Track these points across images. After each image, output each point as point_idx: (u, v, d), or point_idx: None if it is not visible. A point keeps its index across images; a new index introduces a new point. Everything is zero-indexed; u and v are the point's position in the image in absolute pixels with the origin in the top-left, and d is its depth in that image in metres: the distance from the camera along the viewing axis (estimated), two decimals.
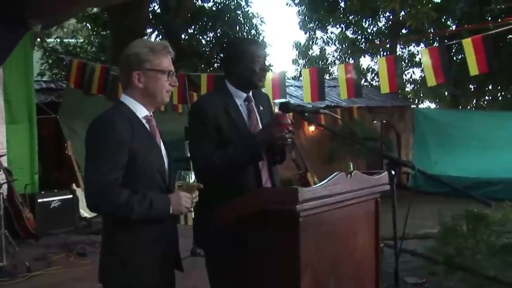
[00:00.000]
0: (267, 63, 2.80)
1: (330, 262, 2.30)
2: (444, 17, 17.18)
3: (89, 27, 15.64)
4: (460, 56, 14.84)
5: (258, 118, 2.70)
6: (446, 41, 13.06)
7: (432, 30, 16.68)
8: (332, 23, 21.42)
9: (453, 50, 15.41)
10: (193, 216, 6.09)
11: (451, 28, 16.89)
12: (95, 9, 13.77)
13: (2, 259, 5.06)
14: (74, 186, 7.69)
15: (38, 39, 9.16)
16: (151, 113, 2.29)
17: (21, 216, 6.25)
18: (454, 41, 8.51)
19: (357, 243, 2.53)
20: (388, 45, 19.72)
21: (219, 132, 2.55)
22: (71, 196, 7.32)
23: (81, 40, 16.24)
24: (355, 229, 2.52)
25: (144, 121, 2.25)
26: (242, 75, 2.64)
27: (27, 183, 6.95)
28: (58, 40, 15.56)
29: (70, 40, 16.26)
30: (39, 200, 6.89)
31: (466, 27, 13.26)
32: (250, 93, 2.71)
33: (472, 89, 19.63)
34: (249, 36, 14.61)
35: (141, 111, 2.25)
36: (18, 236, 6.05)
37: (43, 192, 7.21)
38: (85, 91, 8.26)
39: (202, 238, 2.72)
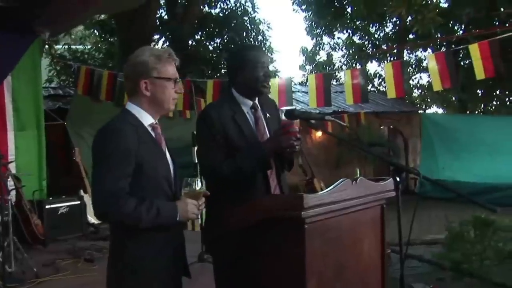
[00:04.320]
0: (273, 68, 2.82)
1: (336, 268, 2.30)
2: (451, 22, 17.14)
3: (97, 34, 15.76)
4: (467, 61, 14.78)
5: (265, 125, 2.71)
6: (453, 46, 13.04)
7: (439, 36, 16.65)
8: (339, 29, 21.42)
9: (461, 55, 15.37)
10: (199, 222, 6.09)
11: (458, 34, 16.84)
12: (102, 16, 13.86)
13: (10, 265, 5.09)
14: (81, 192, 7.73)
15: (46, 46, 9.20)
16: (156, 121, 2.31)
17: (29, 222, 6.29)
18: (461, 46, 8.50)
19: (363, 250, 2.53)
20: (395, 51, 19.69)
21: (227, 140, 2.55)
22: (78, 202, 7.35)
23: (89, 47, 16.37)
24: (361, 236, 2.52)
25: (149, 129, 2.26)
26: (245, 83, 2.64)
27: (35, 189, 7.01)
28: (66, 46, 15.69)
29: (78, 47, 16.39)
30: (47, 206, 6.92)
31: (473, 32, 13.23)
32: (256, 100, 2.71)
33: (480, 94, 19.54)
34: (256, 42, 14.64)
35: (147, 119, 2.26)
36: (26, 242, 6.10)
37: (51, 198, 7.24)
38: (93, 98, 8.30)
39: (210, 244, 2.72)
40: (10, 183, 6.10)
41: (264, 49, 14.83)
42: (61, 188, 8.32)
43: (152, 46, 11.14)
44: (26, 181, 6.58)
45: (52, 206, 7.01)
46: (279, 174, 2.71)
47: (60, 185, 9.02)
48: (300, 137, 2.56)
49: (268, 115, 2.75)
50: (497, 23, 14.75)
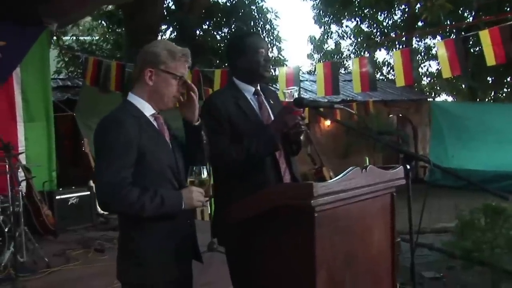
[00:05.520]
0: (281, 57, 2.82)
1: (346, 257, 2.28)
2: (461, 9, 16.96)
3: (105, 25, 15.73)
4: (477, 48, 14.67)
5: (269, 110, 2.71)
6: (462, 33, 12.92)
7: (448, 23, 16.49)
8: (347, 17, 21.30)
9: (470, 43, 15.22)
10: (209, 212, 6.10)
11: (468, 20, 16.68)
12: (110, 7, 13.84)
13: (22, 255, 5.14)
14: (91, 182, 7.75)
15: (54, 37, 9.20)
16: (158, 112, 2.29)
17: (40, 213, 6.33)
18: (470, 33, 8.42)
19: (372, 238, 2.51)
20: (404, 38, 19.54)
21: (232, 125, 2.57)
22: (88, 192, 7.38)
23: (97, 38, 16.34)
24: (370, 224, 2.50)
25: (151, 119, 2.25)
26: (247, 68, 2.66)
27: (45, 180, 7.05)
28: (74, 38, 15.68)
29: (85, 38, 16.35)
30: (57, 197, 6.97)
31: (483, 18, 13.09)
32: (259, 87, 2.73)
33: (490, 82, 19.38)
34: (264, 31, 14.57)
35: (148, 109, 2.25)
36: (37, 232, 6.14)
37: (61, 189, 7.29)
38: (101, 89, 8.30)
39: (221, 235, 2.71)
40: (21, 174, 6.13)
41: (271, 38, 14.77)
42: (70, 178, 8.36)
43: (160, 37, 11.15)
44: (36, 172, 6.60)
45: (62, 196, 7.06)
46: (288, 157, 2.71)
47: (69, 175, 9.07)
48: (304, 117, 2.56)
49: (271, 102, 2.77)
50: (508, 9, 14.57)
